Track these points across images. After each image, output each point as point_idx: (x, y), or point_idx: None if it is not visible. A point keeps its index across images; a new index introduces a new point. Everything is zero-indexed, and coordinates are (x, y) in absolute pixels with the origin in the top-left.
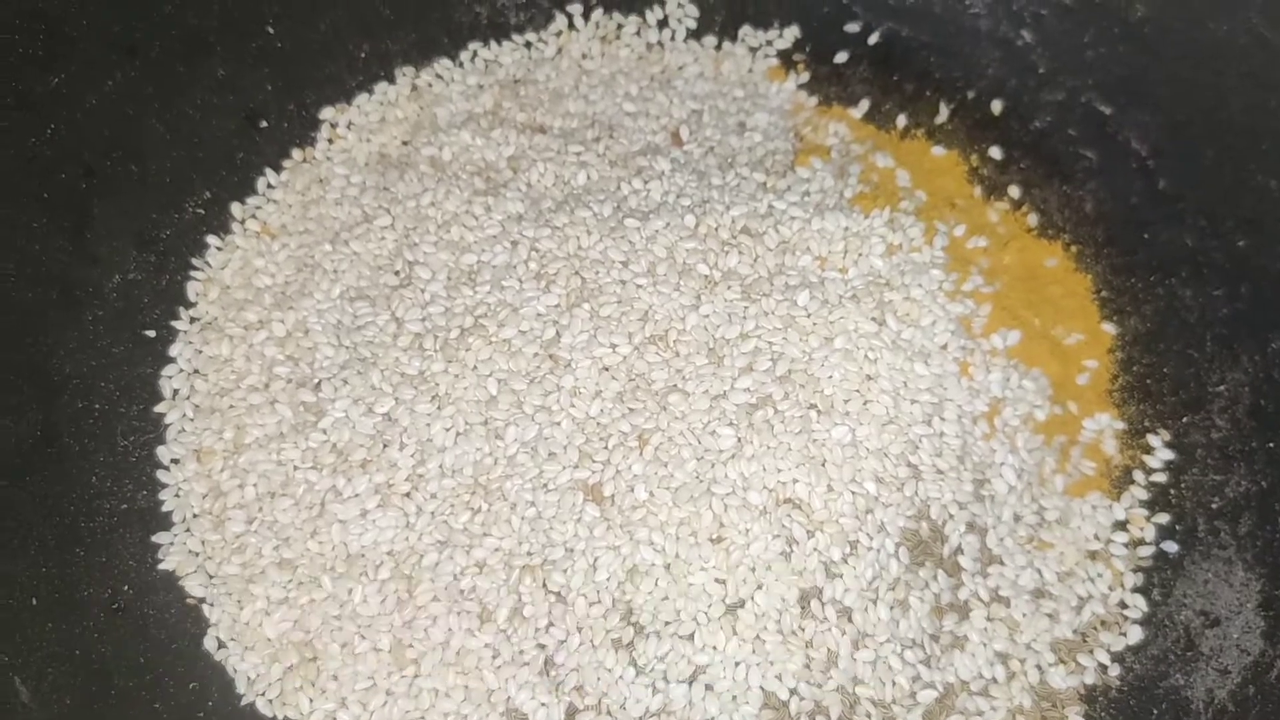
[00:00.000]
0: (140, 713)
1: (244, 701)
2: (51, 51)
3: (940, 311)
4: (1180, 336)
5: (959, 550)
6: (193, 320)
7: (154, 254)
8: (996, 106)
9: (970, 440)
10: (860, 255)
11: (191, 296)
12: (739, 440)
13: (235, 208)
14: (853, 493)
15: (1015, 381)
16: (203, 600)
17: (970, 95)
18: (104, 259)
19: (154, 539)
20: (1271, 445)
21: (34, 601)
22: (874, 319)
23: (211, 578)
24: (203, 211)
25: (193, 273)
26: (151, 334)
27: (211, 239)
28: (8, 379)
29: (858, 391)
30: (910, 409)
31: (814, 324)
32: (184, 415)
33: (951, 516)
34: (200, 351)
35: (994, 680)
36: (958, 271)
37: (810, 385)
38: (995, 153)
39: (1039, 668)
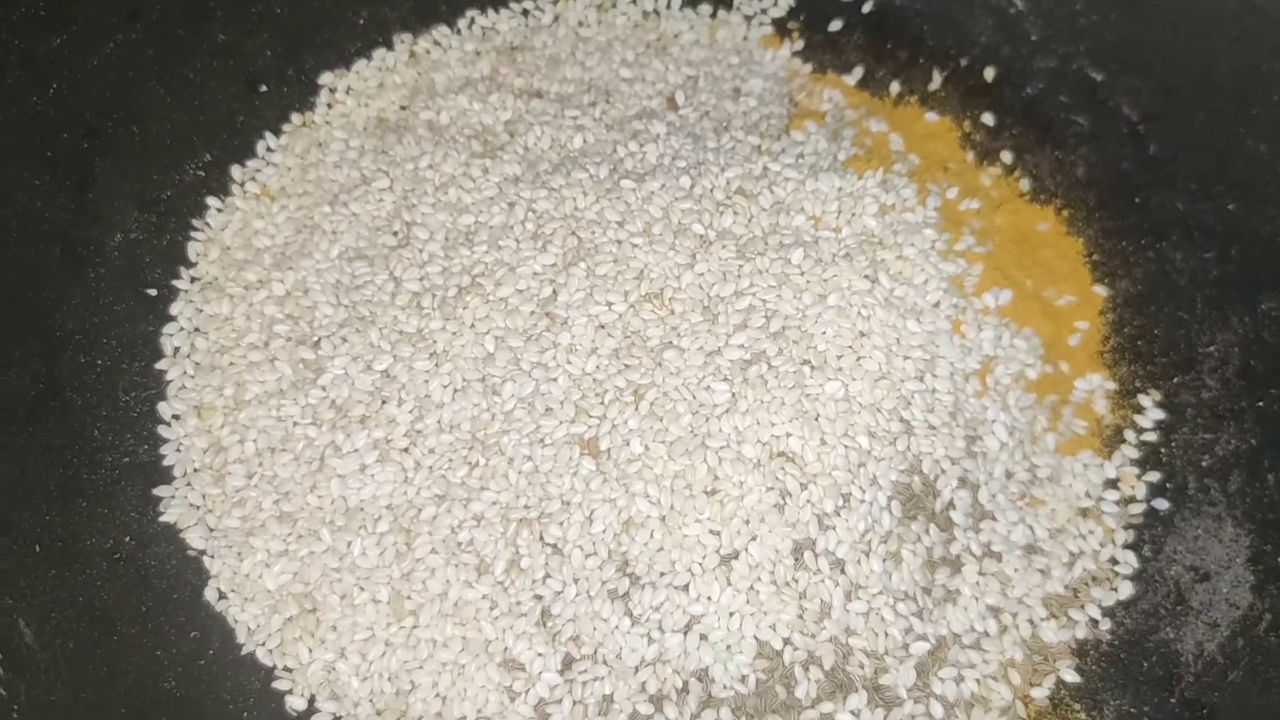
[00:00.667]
0: (142, 659)
1: (244, 651)
2: (54, 12)
3: (933, 270)
4: (1171, 298)
5: (951, 505)
6: (193, 280)
7: (155, 214)
8: (989, 73)
9: (962, 397)
10: (854, 215)
11: (192, 256)
12: (733, 395)
13: (235, 170)
14: (845, 446)
15: (1007, 340)
16: (203, 552)
17: (963, 62)
18: (106, 218)
19: (155, 492)
20: (1260, 404)
21: (37, 549)
22: (867, 277)
23: (212, 530)
24: (203, 173)
25: (193, 233)
26: (153, 292)
27: (211, 200)
28: (11, 333)
29: (851, 347)
30: (903, 365)
31: (808, 281)
32: (184, 372)
33: (944, 472)
34: (201, 310)
35: (986, 633)
36: (950, 232)
37: (804, 341)
38: (988, 119)
39: (1031, 622)
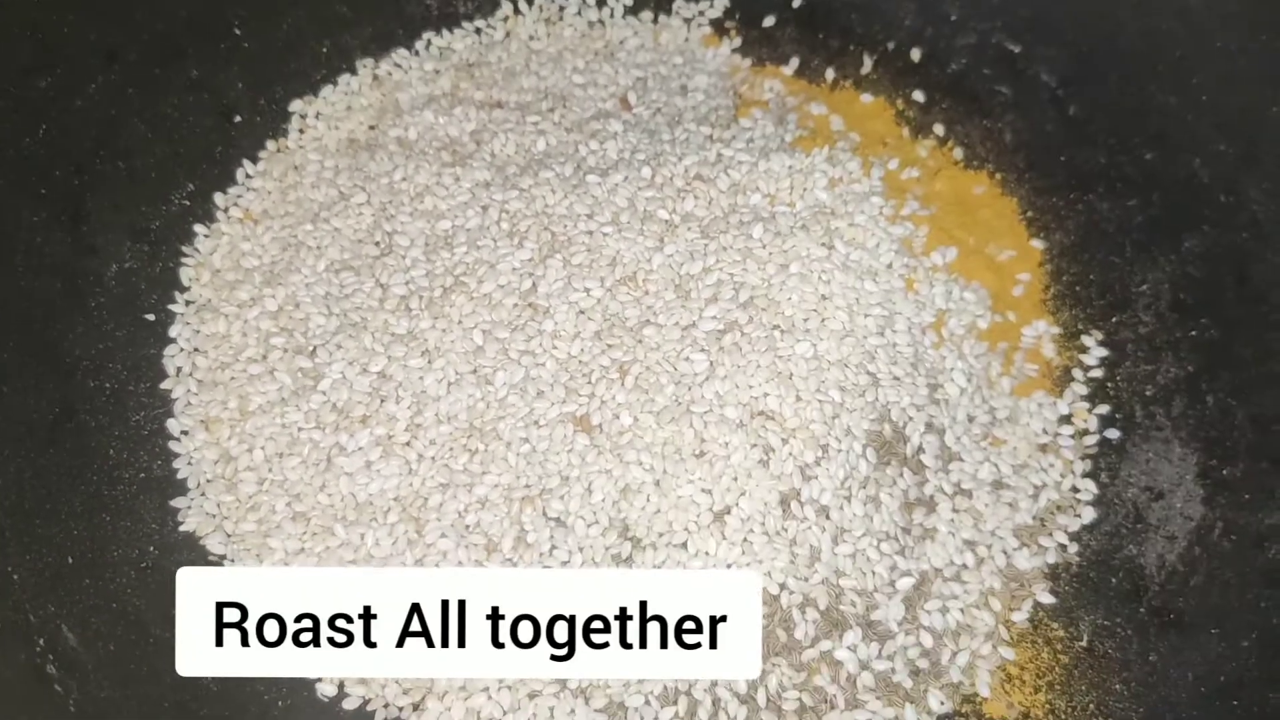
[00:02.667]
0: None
1: None
2: (39, 58)
3: (883, 234)
4: (1102, 245)
5: (920, 449)
6: (188, 303)
7: (147, 243)
8: (915, 54)
9: (921, 349)
10: (805, 189)
11: (185, 281)
12: (711, 363)
13: (218, 197)
14: (819, 401)
15: (957, 294)
16: (224, 557)
17: (891, 46)
18: (101, 249)
19: (173, 503)
20: (1193, 334)
21: (69, 560)
22: (824, 244)
23: (230, 536)
24: (188, 202)
25: (184, 259)
26: (151, 317)
27: (199, 227)
28: (24, 361)
29: (815, 310)
30: (864, 322)
31: (770, 254)
32: (189, 390)
33: (911, 419)
34: (198, 331)
35: (965, 566)
36: (895, 199)
37: (772, 308)
38: (918, 96)
39: (1004, 552)
